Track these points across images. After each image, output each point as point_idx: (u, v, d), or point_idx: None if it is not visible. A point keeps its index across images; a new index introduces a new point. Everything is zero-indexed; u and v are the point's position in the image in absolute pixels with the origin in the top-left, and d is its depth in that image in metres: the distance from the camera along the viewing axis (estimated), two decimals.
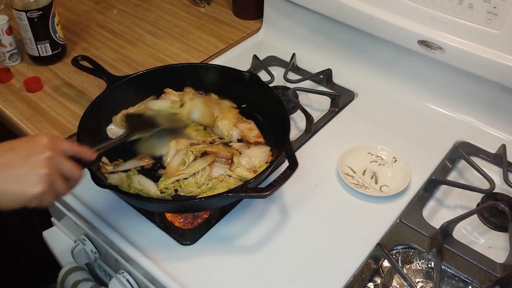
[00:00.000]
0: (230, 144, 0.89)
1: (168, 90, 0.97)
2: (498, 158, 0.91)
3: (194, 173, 0.82)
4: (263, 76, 1.03)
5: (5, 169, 0.57)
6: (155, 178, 0.83)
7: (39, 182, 0.57)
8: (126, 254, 0.77)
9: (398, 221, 0.82)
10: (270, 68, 1.11)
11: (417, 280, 0.76)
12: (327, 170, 0.90)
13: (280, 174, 0.73)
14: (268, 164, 0.82)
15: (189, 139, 0.88)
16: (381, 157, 0.92)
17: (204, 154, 0.86)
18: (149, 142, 0.84)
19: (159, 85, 0.97)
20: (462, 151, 0.91)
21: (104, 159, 0.85)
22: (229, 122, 0.91)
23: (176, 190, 0.81)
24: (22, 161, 0.57)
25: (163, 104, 0.93)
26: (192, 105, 0.92)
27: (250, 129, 0.91)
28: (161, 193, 0.81)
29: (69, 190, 0.63)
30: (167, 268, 0.74)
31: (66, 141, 0.65)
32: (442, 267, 0.74)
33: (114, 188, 0.76)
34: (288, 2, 1.13)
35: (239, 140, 0.90)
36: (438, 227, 0.78)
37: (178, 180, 0.82)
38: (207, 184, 0.81)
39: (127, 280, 0.79)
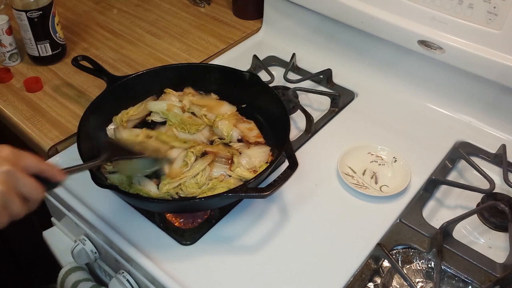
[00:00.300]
0: (230, 144, 0.89)
1: (168, 90, 0.97)
2: (498, 158, 0.91)
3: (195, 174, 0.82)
4: (263, 76, 1.03)
5: None
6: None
7: None
8: (126, 254, 0.77)
9: (398, 221, 0.82)
10: (270, 68, 1.11)
11: (417, 280, 0.76)
12: (327, 170, 0.90)
13: (280, 174, 0.73)
14: (268, 164, 0.82)
15: (167, 144, 0.87)
16: (381, 157, 0.92)
17: (204, 154, 0.85)
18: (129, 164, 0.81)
19: (159, 85, 0.97)
20: (462, 151, 0.91)
21: None
22: (229, 122, 0.90)
23: (177, 193, 0.81)
24: None
25: (161, 105, 0.93)
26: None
27: (250, 129, 0.91)
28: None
29: (26, 211, 0.56)
30: (167, 268, 0.74)
31: (31, 156, 0.57)
32: (442, 267, 0.74)
33: (114, 188, 0.76)
34: (288, 2, 1.13)
35: (239, 140, 0.90)
36: (438, 227, 0.78)
37: (179, 184, 0.81)
38: (207, 184, 0.81)
39: (127, 280, 0.79)
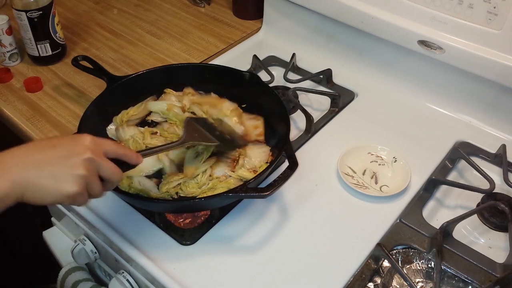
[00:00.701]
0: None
1: (168, 90, 0.97)
2: (498, 158, 0.91)
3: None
4: (263, 76, 1.03)
5: (45, 166, 0.57)
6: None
7: (75, 183, 0.58)
8: (126, 254, 0.77)
9: (398, 221, 0.82)
10: (270, 68, 1.11)
11: (417, 280, 0.76)
12: (327, 170, 0.90)
13: (280, 174, 0.73)
14: (268, 164, 0.82)
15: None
16: (381, 157, 0.92)
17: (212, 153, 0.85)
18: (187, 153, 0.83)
19: (159, 85, 0.97)
20: (462, 151, 0.91)
21: None
22: (237, 118, 0.91)
23: (176, 193, 0.81)
24: (62, 160, 0.58)
25: (161, 105, 0.93)
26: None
27: (256, 127, 0.91)
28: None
29: (105, 192, 0.63)
30: (167, 268, 0.74)
31: (110, 142, 0.65)
32: (442, 267, 0.74)
33: (114, 188, 0.76)
34: (288, 2, 1.13)
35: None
36: (438, 227, 0.78)
37: (179, 184, 0.81)
38: (207, 184, 0.81)
39: (127, 280, 0.79)
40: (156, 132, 0.90)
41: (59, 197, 0.58)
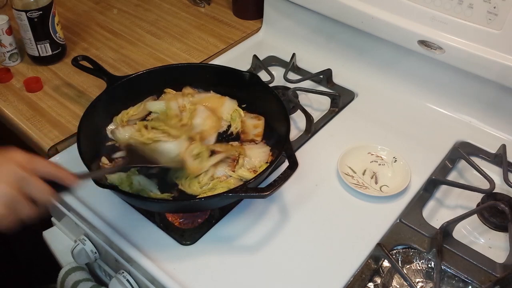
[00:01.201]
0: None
1: (168, 90, 0.97)
2: (498, 158, 0.91)
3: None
4: (263, 76, 1.03)
5: None
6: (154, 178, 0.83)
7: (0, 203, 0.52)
8: (126, 254, 0.77)
9: (398, 221, 0.82)
10: (270, 68, 1.11)
11: (417, 280, 0.76)
12: (327, 170, 0.90)
13: (280, 174, 0.73)
14: (268, 164, 0.82)
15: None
16: (381, 157, 0.92)
17: (212, 153, 0.85)
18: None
19: (159, 85, 0.97)
20: (462, 151, 0.91)
21: (104, 159, 0.85)
22: (239, 117, 0.91)
23: (177, 190, 0.81)
24: None
25: (160, 105, 0.93)
26: (194, 112, 0.91)
27: (256, 126, 0.91)
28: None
29: (34, 215, 0.57)
30: (167, 268, 0.74)
31: (43, 160, 0.59)
32: (442, 267, 0.74)
33: (114, 188, 0.76)
34: (288, 2, 1.13)
35: (237, 134, 0.90)
36: (438, 227, 0.78)
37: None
38: (208, 184, 0.81)
39: (127, 280, 0.79)
40: (146, 126, 0.89)
41: None
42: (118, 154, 0.86)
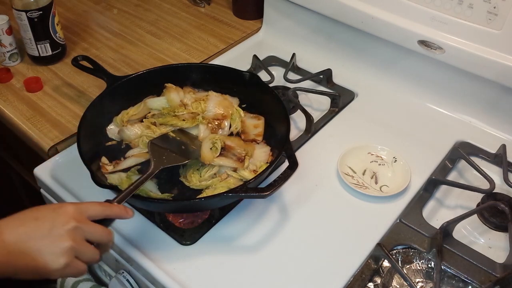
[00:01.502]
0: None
1: (169, 85, 0.95)
2: (498, 158, 0.91)
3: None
4: (263, 76, 1.03)
5: (28, 241, 0.55)
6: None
7: (62, 255, 0.56)
8: (126, 254, 0.77)
9: (398, 221, 0.82)
10: (270, 68, 1.11)
11: (417, 280, 0.76)
12: (327, 170, 0.90)
13: (280, 174, 0.73)
14: (268, 164, 0.82)
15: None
16: (381, 157, 0.92)
17: (222, 149, 0.85)
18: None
19: (159, 85, 0.96)
20: (462, 151, 0.91)
21: (104, 159, 0.85)
22: (239, 117, 0.92)
23: (177, 187, 0.81)
24: (46, 233, 0.56)
25: (161, 102, 0.93)
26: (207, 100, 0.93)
27: (256, 126, 0.91)
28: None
29: (101, 254, 0.62)
30: (167, 268, 0.74)
31: (93, 204, 0.63)
32: (442, 267, 0.74)
33: (114, 188, 0.76)
34: (288, 2, 1.13)
35: (237, 134, 0.90)
36: (438, 227, 0.78)
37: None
38: (208, 181, 0.81)
39: (127, 280, 0.79)
40: (154, 123, 0.90)
41: (45, 272, 0.56)
42: (131, 153, 0.87)
